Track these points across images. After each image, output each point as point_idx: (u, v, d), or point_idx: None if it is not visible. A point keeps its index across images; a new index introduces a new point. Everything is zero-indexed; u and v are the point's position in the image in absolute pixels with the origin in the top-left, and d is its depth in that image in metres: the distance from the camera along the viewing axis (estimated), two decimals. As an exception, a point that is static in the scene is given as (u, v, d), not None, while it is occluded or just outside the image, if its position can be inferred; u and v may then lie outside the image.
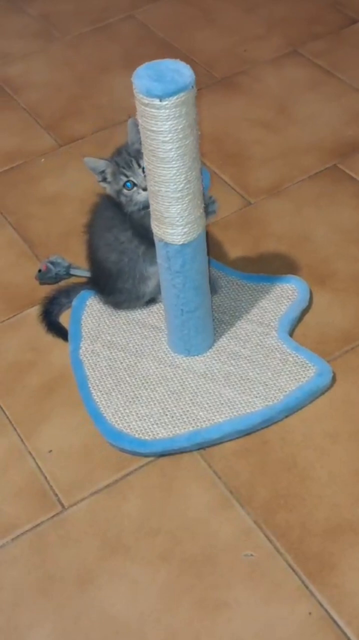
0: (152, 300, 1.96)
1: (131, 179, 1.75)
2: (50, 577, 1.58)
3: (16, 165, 2.48)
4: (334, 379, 1.81)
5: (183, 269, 1.70)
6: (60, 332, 1.97)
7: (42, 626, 1.52)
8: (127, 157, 1.76)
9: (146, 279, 1.89)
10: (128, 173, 1.75)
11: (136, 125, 1.74)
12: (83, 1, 3.17)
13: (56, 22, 3.07)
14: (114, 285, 1.91)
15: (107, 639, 1.50)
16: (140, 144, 1.66)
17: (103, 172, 1.78)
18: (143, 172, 1.73)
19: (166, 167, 1.55)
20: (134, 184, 1.75)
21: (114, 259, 1.87)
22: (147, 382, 1.83)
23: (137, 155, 1.73)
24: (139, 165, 1.74)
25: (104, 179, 1.79)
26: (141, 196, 1.76)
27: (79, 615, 1.53)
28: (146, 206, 1.73)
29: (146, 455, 1.73)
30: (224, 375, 1.82)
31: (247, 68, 2.75)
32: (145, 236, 1.79)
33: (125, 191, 1.76)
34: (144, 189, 1.73)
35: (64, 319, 2.00)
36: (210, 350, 1.87)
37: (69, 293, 2.03)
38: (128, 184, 1.75)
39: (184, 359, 1.86)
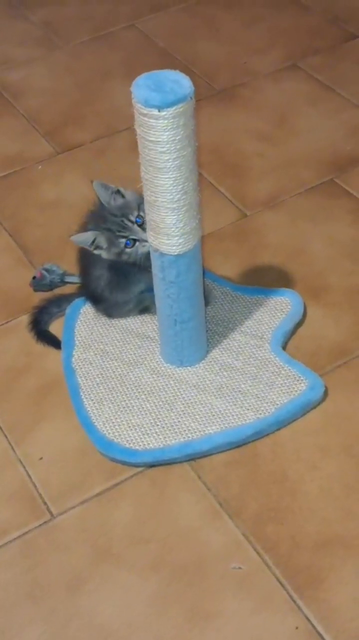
0: (146, 310, 1.95)
1: (131, 237, 1.76)
2: (39, 583, 1.58)
3: (14, 172, 2.48)
4: (326, 393, 1.82)
5: (178, 280, 1.70)
6: (51, 341, 1.97)
7: (30, 632, 1.52)
8: (116, 218, 1.76)
9: (132, 285, 1.89)
10: (126, 234, 1.76)
11: (103, 185, 1.76)
12: (85, 9, 3.17)
13: (58, 29, 3.08)
14: (101, 291, 1.92)
15: (93, 648, 1.50)
16: (117, 195, 1.72)
17: (94, 242, 1.77)
18: (137, 224, 1.75)
19: (163, 178, 1.55)
20: (135, 240, 1.76)
21: (99, 266, 1.87)
22: (139, 392, 1.83)
23: (123, 211, 1.75)
24: (132, 221, 1.75)
25: (97, 247, 1.78)
26: (145, 248, 1.76)
27: (68, 621, 1.52)
28: (148, 257, 1.74)
29: (136, 465, 1.73)
30: (216, 387, 1.82)
31: (247, 80, 2.76)
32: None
33: (127, 250, 1.77)
34: (146, 240, 1.73)
35: (58, 327, 2.00)
36: (203, 361, 1.87)
37: (60, 302, 2.03)
38: (128, 242, 1.76)
39: (177, 369, 1.86)
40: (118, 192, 1.78)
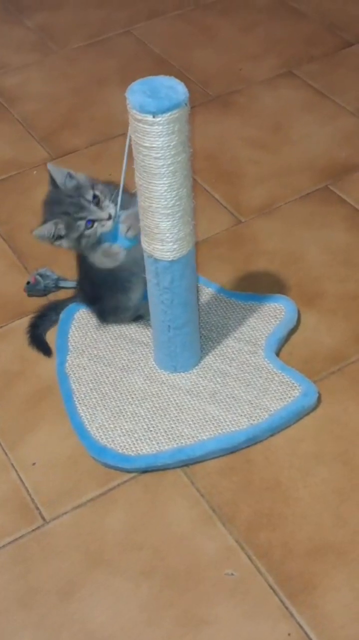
0: (139, 317, 1.95)
1: (89, 217, 1.71)
2: (31, 589, 1.57)
3: (9, 177, 2.48)
4: (319, 400, 1.82)
5: (172, 286, 1.70)
6: (42, 347, 1.97)
7: (22, 638, 1.51)
8: (72, 199, 1.72)
9: (128, 291, 1.88)
10: (83, 214, 1.71)
11: (57, 168, 1.73)
12: (81, 15, 3.18)
13: (54, 35, 3.08)
14: (97, 296, 1.91)
15: (85, 654, 1.49)
16: (70, 178, 1.70)
17: (54, 232, 1.72)
18: (95, 204, 1.71)
19: (157, 183, 1.55)
20: (94, 220, 1.72)
21: (96, 270, 1.85)
22: (132, 398, 1.83)
23: (79, 191, 1.71)
24: (88, 200, 1.71)
25: (57, 237, 1.74)
26: (104, 228, 1.72)
27: (60, 627, 1.52)
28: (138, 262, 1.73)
29: (129, 471, 1.73)
30: (210, 393, 1.82)
31: (243, 87, 2.76)
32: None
33: (86, 232, 1.72)
34: (109, 218, 1.71)
35: (51, 334, 2.00)
36: (196, 367, 1.87)
37: (58, 310, 2.02)
38: (89, 222, 1.71)
39: (170, 375, 1.86)
40: (69, 175, 1.74)
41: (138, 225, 1.68)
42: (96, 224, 1.73)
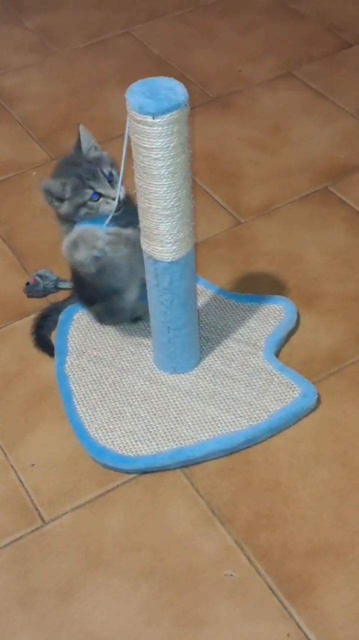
0: (138, 318, 1.95)
1: (99, 190, 1.70)
2: (31, 590, 1.57)
3: (8, 177, 2.48)
4: (319, 401, 1.82)
5: (171, 287, 1.70)
6: (47, 348, 1.97)
7: (21, 638, 1.51)
8: (90, 165, 1.71)
9: (122, 293, 1.87)
10: (94, 184, 1.70)
11: (87, 131, 1.73)
12: (81, 16, 3.18)
13: (53, 35, 3.08)
14: (92, 298, 1.91)
15: (84, 655, 1.49)
16: (95, 149, 1.68)
17: (63, 190, 1.70)
18: (107, 181, 1.70)
19: (157, 184, 1.55)
20: (101, 195, 1.71)
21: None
22: (132, 399, 1.83)
23: (99, 162, 1.71)
24: (104, 174, 1.70)
25: (59, 199, 1.71)
26: (108, 206, 1.71)
27: (60, 628, 1.52)
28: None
29: (128, 472, 1.73)
30: (209, 394, 1.82)
31: (242, 88, 2.76)
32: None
33: (90, 203, 1.71)
34: (114, 198, 1.70)
35: (51, 336, 2.00)
36: (196, 368, 1.87)
37: (61, 310, 2.02)
38: (95, 194, 1.70)
39: (170, 376, 1.86)
40: (95, 147, 1.75)
41: (119, 247, 1.68)
42: (101, 199, 1.71)
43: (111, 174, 1.71)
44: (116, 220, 1.71)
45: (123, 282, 1.82)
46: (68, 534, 1.65)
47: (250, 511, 1.66)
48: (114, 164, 1.73)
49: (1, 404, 1.88)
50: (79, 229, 1.73)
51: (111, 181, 1.71)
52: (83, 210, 1.72)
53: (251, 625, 1.50)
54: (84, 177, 1.70)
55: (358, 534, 1.61)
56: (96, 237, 1.71)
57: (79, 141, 1.74)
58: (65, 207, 1.72)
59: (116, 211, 1.71)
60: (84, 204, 1.71)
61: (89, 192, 1.70)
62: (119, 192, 1.70)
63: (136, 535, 1.64)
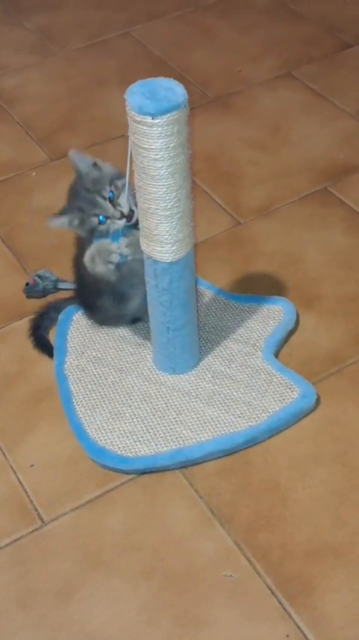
0: (137, 320, 1.95)
1: (103, 215, 1.72)
2: (30, 590, 1.57)
3: (8, 178, 2.48)
4: (318, 401, 1.82)
5: (171, 287, 1.70)
6: (46, 349, 1.97)
7: (21, 638, 1.51)
8: (88, 195, 1.72)
9: (127, 301, 1.88)
10: (97, 212, 1.72)
11: (81, 156, 1.73)
12: (80, 16, 3.18)
13: (53, 36, 3.08)
14: (95, 302, 1.91)
15: (84, 656, 1.49)
16: (94, 167, 1.69)
17: (70, 224, 1.75)
18: (110, 200, 1.71)
19: (157, 185, 1.55)
20: (107, 217, 1.72)
21: (93, 278, 1.85)
22: (131, 399, 1.83)
23: (97, 187, 1.72)
24: (104, 197, 1.71)
25: (73, 226, 1.76)
26: (116, 225, 1.73)
27: (59, 629, 1.52)
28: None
29: (128, 472, 1.73)
30: (209, 394, 1.82)
31: (242, 89, 2.76)
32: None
33: (101, 227, 1.73)
34: (120, 217, 1.71)
35: (50, 336, 2.00)
36: (195, 368, 1.87)
37: (59, 308, 2.02)
38: (102, 218, 1.72)
39: (169, 377, 1.86)
40: (95, 164, 1.75)
41: (138, 248, 1.69)
42: (108, 221, 1.73)
43: (111, 192, 1.72)
44: (134, 225, 1.72)
45: (136, 289, 1.82)
46: (67, 534, 1.65)
47: (249, 512, 1.66)
48: (117, 175, 1.73)
49: (1, 404, 1.88)
50: (96, 243, 1.76)
51: (113, 199, 1.72)
52: (96, 233, 1.75)
53: (251, 626, 1.50)
54: (85, 209, 1.73)
55: (358, 535, 1.61)
56: (109, 251, 1.74)
57: (76, 169, 1.75)
58: (81, 232, 1.77)
59: (128, 221, 1.72)
60: (94, 229, 1.74)
61: (95, 219, 1.73)
62: (126, 205, 1.71)
63: (136, 535, 1.64)
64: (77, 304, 1.99)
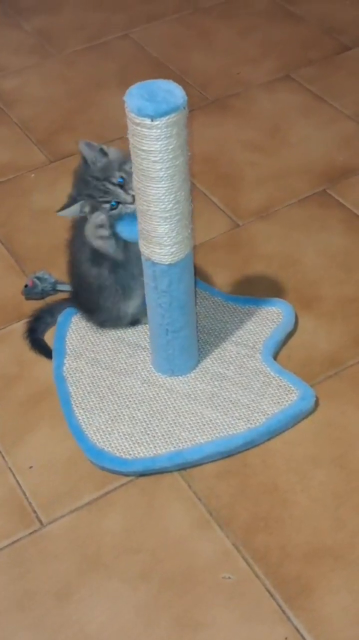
0: (136, 322, 1.95)
1: (114, 201, 1.71)
2: (29, 592, 1.57)
3: (7, 180, 2.48)
4: (317, 403, 1.82)
5: (169, 289, 1.70)
6: (44, 350, 1.97)
7: (18, 641, 1.52)
8: (98, 182, 1.72)
9: (128, 299, 1.88)
10: (108, 198, 1.71)
11: (89, 144, 1.72)
12: (79, 19, 3.18)
13: (52, 38, 3.08)
14: (95, 302, 1.91)
15: (82, 658, 1.49)
16: (101, 152, 1.67)
17: (81, 212, 1.74)
18: (119, 185, 1.71)
19: (156, 187, 1.55)
20: (119, 202, 1.72)
21: (94, 274, 1.86)
22: (130, 401, 1.83)
23: (106, 174, 1.71)
24: (114, 184, 1.71)
25: (84, 213, 1.76)
26: (128, 209, 1.72)
27: (57, 630, 1.52)
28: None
29: (126, 474, 1.73)
30: (207, 397, 1.82)
31: (240, 91, 2.76)
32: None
33: (112, 212, 1.73)
34: (132, 202, 1.70)
35: (49, 336, 2.00)
36: (194, 371, 1.87)
37: (53, 312, 2.02)
38: (113, 203, 1.72)
39: (168, 379, 1.86)
40: (101, 150, 1.74)
41: None
42: (120, 206, 1.72)
43: (121, 177, 1.71)
44: None
45: (138, 282, 1.81)
46: (66, 536, 1.65)
47: (248, 514, 1.66)
48: (125, 161, 1.71)
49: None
50: (90, 219, 1.77)
51: (123, 184, 1.71)
52: (111, 219, 1.74)
53: (249, 628, 1.50)
54: (96, 196, 1.72)
55: (356, 536, 1.61)
56: (95, 225, 1.75)
57: (83, 157, 1.74)
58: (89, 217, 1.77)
59: None
60: (107, 215, 1.74)
61: (106, 206, 1.72)
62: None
63: (134, 537, 1.64)
64: (75, 307, 1.99)
